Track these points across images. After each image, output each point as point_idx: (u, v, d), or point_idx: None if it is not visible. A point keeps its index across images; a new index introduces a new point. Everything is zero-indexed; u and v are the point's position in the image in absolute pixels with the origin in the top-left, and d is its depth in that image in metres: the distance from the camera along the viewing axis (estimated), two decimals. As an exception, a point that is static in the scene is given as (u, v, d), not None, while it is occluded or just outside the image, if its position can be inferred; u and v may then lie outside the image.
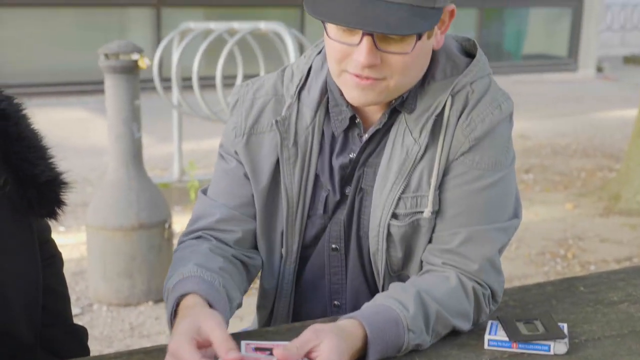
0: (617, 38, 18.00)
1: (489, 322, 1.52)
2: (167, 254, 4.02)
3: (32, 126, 1.55)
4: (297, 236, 1.62)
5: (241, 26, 5.13)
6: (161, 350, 1.42)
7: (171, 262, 1.55)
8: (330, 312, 1.65)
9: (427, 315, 1.41)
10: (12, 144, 1.49)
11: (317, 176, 1.59)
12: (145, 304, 4.03)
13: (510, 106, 1.53)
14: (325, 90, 1.56)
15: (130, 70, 3.92)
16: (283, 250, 1.64)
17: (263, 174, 1.59)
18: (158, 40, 9.32)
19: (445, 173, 1.50)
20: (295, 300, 1.70)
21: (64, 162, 1.62)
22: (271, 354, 1.28)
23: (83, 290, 4.20)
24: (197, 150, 6.91)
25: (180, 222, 4.59)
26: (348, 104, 1.51)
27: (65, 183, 1.56)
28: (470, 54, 1.57)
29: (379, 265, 1.57)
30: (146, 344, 3.43)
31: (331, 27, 1.39)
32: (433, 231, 1.53)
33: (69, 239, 4.92)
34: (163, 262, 3.98)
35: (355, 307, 1.43)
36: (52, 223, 1.68)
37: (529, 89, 11.91)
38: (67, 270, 4.33)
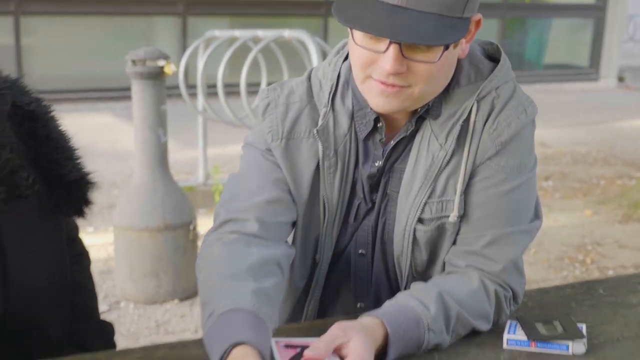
0: (639, 48, 17.87)
1: (508, 322, 1.51)
2: (192, 255, 4.03)
3: (60, 127, 1.57)
4: (332, 242, 1.62)
5: (265, 34, 5.12)
6: (184, 345, 1.44)
7: (201, 258, 1.48)
8: (355, 313, 1.65)
9: (448, 316, 1.41)
10: (40, 145, 1.51)
11: (353, 185, 1.58)
12: (171, 302, 4.05)
13: (535, 110, 1.52)
14: None
15: (157, 76, 3.94)
16: (317, 257, 1.64)
17: (303, 184, 1.56)
18: (184, 48, 9.35)
19: (471, 177, 1.50)
20: (321, 301, 1.70)
21: (91, 165, 1.63)
22: (301, 351, 1.27)
23: (110, 288, 4.23)
24: (221, 155, 6.92)
25: (204, 225, 4.59)
26: (371, 108, 1.49)
27: (92, 183, 1.57)
28: (492, 58, 1.56)
29: (403, 267, 1.57)
30: (171, 340, 3.45)
31: (357, 34, 1.37)
32: (457, 233, 1.53)
33: (97, 239, 4.96)
34: (188, 263, 3.99)
35: (378, 307, 1.43)
36: (80, 222, 1.69)
37: (550, 98, 11.82)
38: (95, 269, 4.34)
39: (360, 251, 1.62)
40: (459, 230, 1.53)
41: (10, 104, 1.48)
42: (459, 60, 1.48)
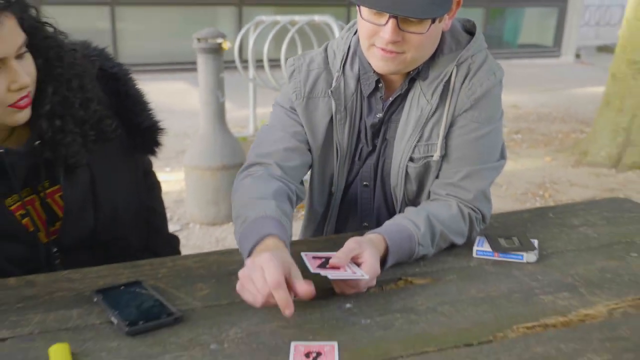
0: (593, 32, 17.46)
1: (478, 238, 1.50)
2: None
3: (136, 86, 1.55)
4: (344, 177, 1.61)
5: (300, 18, 5.06)
6: (230, 252, 1.45)
7: (234, 188, 1.47)
8: (361, 231, 1.65)
9: (433, 233, 1.41)
10: (121, 100, 1.50)
11: (359, 132, 1.56)
12: (227, 224, 4.07)
13: (502, 73, 1.48)
14: None
15: (216, 50, 3.90)
16: (333, 188, 1.63)
17: (319, 132, 1.54)
18: (239, 30, 9.27)
19: (450, 126, 1.47)
20: (337, 222, 1.69)
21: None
22: (326, 261, 1.25)
23: (182, 213, 4.27)
24: (266, 112, 6.76)
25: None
26: (374, 71, 1.48)
27: (161, 129, 1.56)
28: (470, 32, 1.52)
29: (398, 196, 1.56)
30: (226, 253, 3.49)
31: (364, 10, 1.35)
32: (439, 170, 1.51)
33: (172, 176, 4.99)
34: (240, 194, 3.99)
35: (379, 226, 1.42)
36: (158, 163, 1.68)
37: (522, 71, 11.62)
38: (170, 199, 4.42)
39: (364, 183, 1.60)
40: (440, 167, 1.50)
41: (98, 67, 1.47)
42: (443, 33, 1.45)
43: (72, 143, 1.37)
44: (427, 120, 1.47)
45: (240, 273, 1.15)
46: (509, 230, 1.59)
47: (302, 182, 1.57)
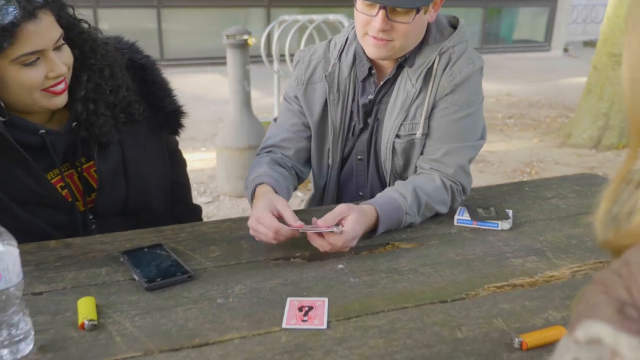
0: (580, 28, 17.04)
1: (459, 208, 1.48)
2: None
3: (162, 75, 1.54)
4: (339, 152, 1.59)
5: (317, 17, 5.00)
6: (242, 220, 1.43)
7: (252, 164, 1.53)
8: (357, 200, 1.63)
9: (419, 204, 1.38)
10: (148, 87, 1.49)
11: (351, 112, 1.54)
12: (252, 198, 4.07)
13: (481, 62, 1.44)
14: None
15: (243, 45, 3.87)
16: (330, 161, 1.61)
17: (316, 111, 1.54)
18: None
19: (432, 108, 1.44)
20: (336, 193, 1.68)
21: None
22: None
23: (214, 187, 4.28)
24: (290, 101, 6.86)
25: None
26: (368, 59, 1.46)
27: (184, 112, 1.55)
28: (454, 26, 1.48)
29: (387, 169, 1.53)
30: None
31: (359, 2, 1.35)
32: (423, 147, 1.48)
33: (206, 155, 5.00)
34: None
35: (372, 196, 1.40)
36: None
37: (516, 63, 11.40)
38: (205, 175, 4.44)
39: (359, 157, 1.58)
40: (425, 144, 1.47)
41: (128, 58, 1.46)
42: (428, 25, 1.42)
43: (104, 124, 1.37)
44: (412, 102, 1.44)
45: (248, 223, 1.25)
46: (488, 201, 1.56)
47: (304, 165, 1.60)
